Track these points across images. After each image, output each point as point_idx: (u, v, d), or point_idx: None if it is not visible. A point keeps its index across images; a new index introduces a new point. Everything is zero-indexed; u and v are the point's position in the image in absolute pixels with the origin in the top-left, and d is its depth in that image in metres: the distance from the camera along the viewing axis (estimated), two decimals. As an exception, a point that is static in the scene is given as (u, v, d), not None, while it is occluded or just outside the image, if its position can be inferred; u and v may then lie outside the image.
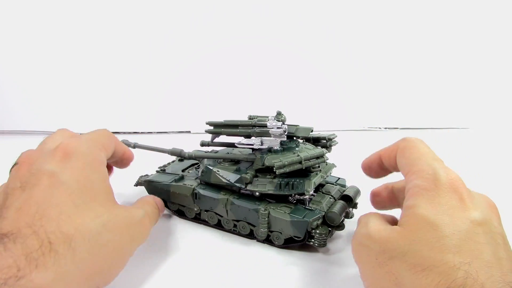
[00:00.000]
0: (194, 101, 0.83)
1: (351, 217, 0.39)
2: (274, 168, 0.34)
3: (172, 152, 0.44)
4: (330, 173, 0.41)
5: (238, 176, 0.38)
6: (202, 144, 0.44)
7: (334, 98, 0.84)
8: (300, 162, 0.34)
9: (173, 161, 0.50)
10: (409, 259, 0.24)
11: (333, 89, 0.84)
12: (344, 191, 0.40)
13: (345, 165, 0.46)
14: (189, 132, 0.84)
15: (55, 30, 0.78)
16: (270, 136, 0.37)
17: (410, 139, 0.31)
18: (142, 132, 0.85)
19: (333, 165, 0.41)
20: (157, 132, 0.85)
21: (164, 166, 0.48)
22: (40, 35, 0.78)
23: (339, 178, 0.43)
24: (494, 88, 0.84)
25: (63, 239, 0.24)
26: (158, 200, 0.37)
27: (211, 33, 0.80)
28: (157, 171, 0.47)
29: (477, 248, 0.23)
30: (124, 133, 0.85)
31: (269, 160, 0.35)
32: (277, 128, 0.36)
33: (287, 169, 0.34)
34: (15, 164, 0.29)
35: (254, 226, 0.37)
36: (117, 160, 0.37)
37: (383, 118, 0.86)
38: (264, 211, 0.35)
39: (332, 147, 0.41)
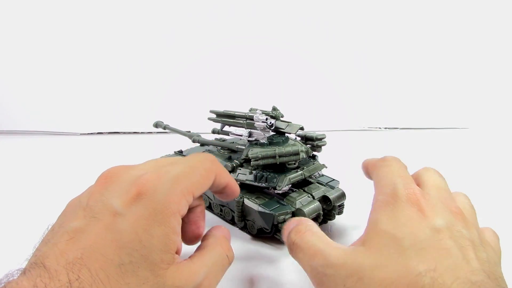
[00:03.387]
0: (194, 101, 0.83)
1: (330, 219, 0.40)
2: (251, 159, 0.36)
3: (190, 136, 0.48)
4: (319, 173, 0.41)
5: (224, 164, 0.40)
6: (213, 131, 0.47)
7: (334, 98, 0.85)
8: (274, 157, 0.36)
9: (195, 146, 0.53)
10: (377, 275, 0.24)
11: (333, 89, 0.84)
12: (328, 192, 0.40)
13: (345, 165, 0.46)
14: (189, 131, 0.83)
15: (55, 30, 0.79)
16: (256, 129, 0.39)
17: (387, 158, 0.32)
18: (142, 132, 0.85)
19: (323, 166, 0.42)
20: (157, 132, 0.85)
21: (186, 150, 0.51)
22: (40, 35, 0.79)
23: (332, 180, 0.43)
24: (494, 88, 0.85)
25: None
26: (226, 232, 0.30)
27: (212, 33, 0.80)
28: (174, 152, 0.50)
29: (440, 253, 0.24)
30: (124, 133, 0.85)
31: (250, 152, 0.37)
32: (262, 122, 0.38)
33: (261, 162, 0.36)
34: (103, 173, 0.26)
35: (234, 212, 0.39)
36: (217, 191, 0.32)
37: (383, 118, 0.86)
38: (239, 199, 0.37)
39: (321, 147, 0.42)
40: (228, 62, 0.83)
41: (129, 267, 0.22)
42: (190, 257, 0.26)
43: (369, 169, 0.33)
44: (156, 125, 0.54)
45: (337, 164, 0.46)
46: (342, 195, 0.39)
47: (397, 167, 0.30)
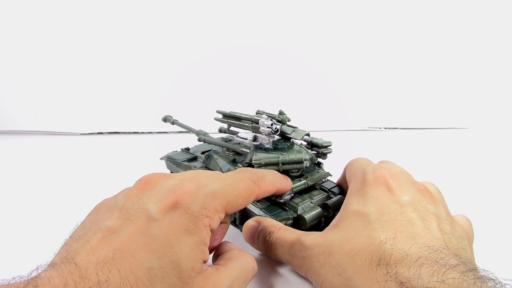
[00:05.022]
0: (194, 101, 0.83)
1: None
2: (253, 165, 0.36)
3: (197, 133, 0.48)
4: (322, 181, 0.41)
5: (228, 167, 0.40)
6: (220, 131, 0.47)
7: (334, 98, 0.85)
8: (277, 164, 0.36)
9: (202, 144, 0.53)
10: (344, 247, 0.26)
11: (333, 89, 0.85)
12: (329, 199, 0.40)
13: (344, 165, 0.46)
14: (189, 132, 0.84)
15: (54, 30, 0.79)
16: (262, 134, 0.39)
17: (355, 158, 0.35)
18: (142, 132, 0.85)
19: (327, 174, 0.41)
20: (157, 132, 0.85)
21: (193, 146, 0.51)
22: (39, 35, 0.79)
23: (336, 185, 0.42)
24: (494, 88, 0.86)
25: None
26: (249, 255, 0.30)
27: (212, 33, 0.81)
28: (181, 150, 0.50)
29: (402, 224, 0.26)
30: (124, 133, 0.85)
31: (254, 157, 0.37)
32: (267, 127, 0.37)
33: (263, 168, 0.36)
34: (142, 178, 0.27)
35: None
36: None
37: (383, 118, 0.86)
38: None
39: (326, 154, 0.41)
40: (228, 63, 0.83)
41: (158, 272, 0.22)
42: (215, 265, 0.26)
43: (346, 174, 0.37)
44: (165, 119, 0.53)
45: (337, 164, 0.46)
46: (342, 203, 0.39)
47: (364, 160, 0.34)
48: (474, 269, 0.22)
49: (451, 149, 0.73)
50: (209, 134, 0.49)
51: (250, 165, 0.38)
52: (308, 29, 0.81)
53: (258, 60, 0.83)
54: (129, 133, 0.86)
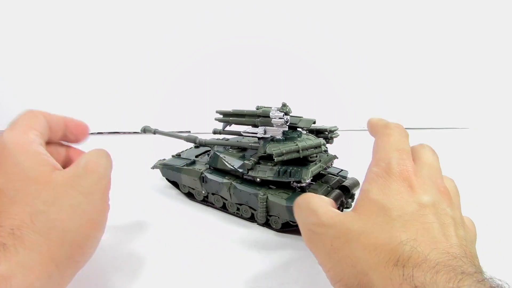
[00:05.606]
0: (194, 101, 0.83)
1: (347, 208, 0.42)
2: (273, 156, 0.36)
3: (187, 139, 0.48)
4: (331, 164, 0.43)
5: (241, 163, 0.41)
6: (214, 132, 0.48)
7: (334, 98, 0.86)
8: (298, 151, 0.37)
9: (190, 148, 0.54)
10: (363, 240, 0.26)
11: (333, 89, 0.85)
12: (343, 182, 0.42)
13: (345, 165, 0.46)
14: (189, 132, 0.84)
15: (53, 29, 0.79)
16: (272, 126, 0.39)
17: (389, 125, 0.33)
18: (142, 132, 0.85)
19: (334, 156, 0.44)
20: (157, 132, 0.85)
21: (182, 152, 0.52)
22: (39, 35, 0.79)
23: (341, 170, 0.45)
24: (494, 88, 0.86)
25: (7, 232, 0.24)
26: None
27: (212, 32, 0.81)
28: (172, 156, 0.51)
29: (423, 227, 0.26)
30: (124, 133, 0.85)
31: (270, 148, 0.37)
32: (279, 118, 0.38)
33: (285, 157, 0.36)
34: None
35: (255, 210, 0.40)
36: (65, 134, 0.37)
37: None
38: (262, 195, 0.38)
39: (333, 138, 0.43)
40: (228, 62, 0.83)
41: (16, 195, 0.26)
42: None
43: (372, 131, 0.34)
44: (144, 130, 0.52)
45: (337, 164, 0.46)
46: (357, 183, 0.42)
47: (397, 138, 0.31)
48: (491, 278, 0.22)
49: (451, 149, 0.73)
50: (202, 135, 0.49)
51: (263, 157, 0.40)
52: (309, 28, 0.81)
53: (258, 61, 0.83)
54: (129, 133, 0.86)
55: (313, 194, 0.32)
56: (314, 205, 0.30)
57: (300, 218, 0.31)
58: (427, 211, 0.27)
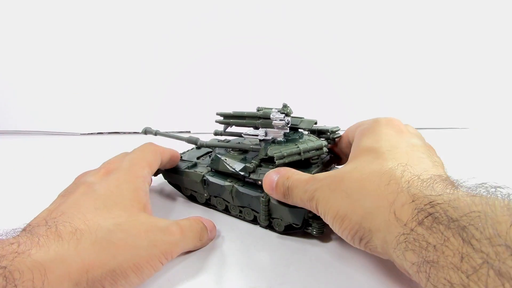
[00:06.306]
0: (194, 101, 0.83)
1: None
2: (274, 159, 0.36)
3: (188, 140, 0.47)
4: (334, 166, 0.43)
5: (243, 165, 0.40)
6: (216, 133, 0.48)
7: (336, 98, 0.85)
8: (299, 154, 0.36)
9: (192, 149, 0.54)
10: (354, 174, 0.27)
11: (334, 89, 0.85)
12: None
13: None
14: (189, 132, 0.84)
15: (54, 30, 0.79)
16: (273, 128, 0.39)
17: (380, 120, 0.35)
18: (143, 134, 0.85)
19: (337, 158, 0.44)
20: (157, 132, 0.85)
21: (183, 153, 0.52)
22: (39, 35, 0.79)
23: (328, 155, 0.45)
24: (494, 88, 0.85)
25: (71, 230, 0.26)
26: (206, 220, 0.37)
27: (213, 33, 0.81)
28: None
29: (413, 157, 0.27)
30: (124, 133, 0.85)
31: (271, 151, 0.37)
32: (280, 120, 0.38)
33: (286, 160, 0.36)
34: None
35: (257, 212, 0.40)
36: (167, 164, 0.43)
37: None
38: (264, 198, 0.38)
39: (335, 139, 0.43)
40: (228, 62, 0.83)
41: (104, 210, 0.29)
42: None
43: (349, 129, 0.38)
44: (145, 131, 0.52)
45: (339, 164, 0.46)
46: None
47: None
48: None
49: (451, 149, 0.73)
50: (202, 136, 0.49)
51: (264, 160, 0.40)
52: (309, 28, 0.81)
53: (258, 61, 0.83)
54: (129, 133, 0.86)
55: (289, 171, 0.34)
56: (307, 176, 0.32)
57: (298, 193, 0.32)
58: (416, 148, 0.29)
